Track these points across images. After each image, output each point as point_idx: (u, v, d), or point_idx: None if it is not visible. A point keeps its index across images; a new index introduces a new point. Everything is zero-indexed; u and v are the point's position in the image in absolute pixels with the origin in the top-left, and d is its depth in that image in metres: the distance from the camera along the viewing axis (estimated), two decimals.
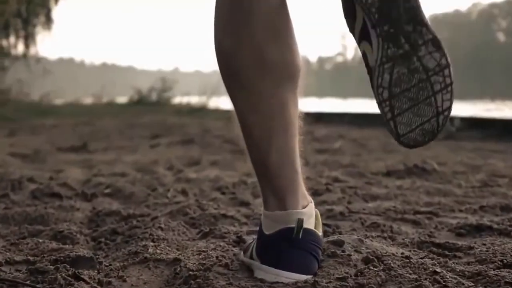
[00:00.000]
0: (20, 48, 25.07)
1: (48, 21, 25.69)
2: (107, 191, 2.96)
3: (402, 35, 1.53)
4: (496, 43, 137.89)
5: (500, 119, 9.16)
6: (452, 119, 8.42)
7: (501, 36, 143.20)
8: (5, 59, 23.09)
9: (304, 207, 1.64)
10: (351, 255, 1.70)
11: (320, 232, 1.68)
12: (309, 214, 1.64)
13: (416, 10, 1.53)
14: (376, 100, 1.57)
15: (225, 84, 1.67)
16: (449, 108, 1.55)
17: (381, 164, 4.59)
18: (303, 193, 1.68)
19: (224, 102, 16.62)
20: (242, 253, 1.79)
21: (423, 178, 3.47)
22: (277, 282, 1.56)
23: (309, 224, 1.64)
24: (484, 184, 3.31)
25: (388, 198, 2.77)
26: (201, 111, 14.77)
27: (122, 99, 20.67)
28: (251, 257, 1.71)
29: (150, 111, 15.33)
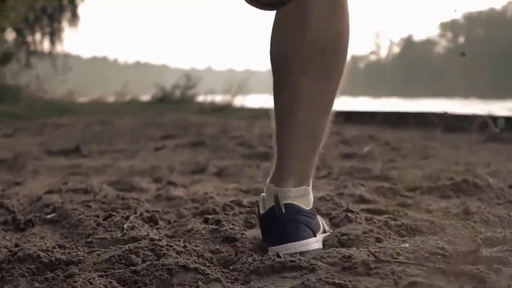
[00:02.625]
0: (46, 44, 24.67)
1: (74, 18, 25.26)
2: (50, 216, 2.20)
3: None
4: None
5: None
6: (495, 118, 7.61)
7: None
8: (31, 56, 22.65)
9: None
10: None
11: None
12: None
13: None
14: None
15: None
16: None
17: (418, 174, 3.80)
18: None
19: (249, 100, 15.95)
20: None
21: (475, 197, 2.65)
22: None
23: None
24: None
25: (432, 231, 1.96)
26: (225, 110, 14.04)
27: (147, 97, 20.04)
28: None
29: (173, 109, 14.64)
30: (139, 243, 1.64)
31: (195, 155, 5.23)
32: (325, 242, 1.78)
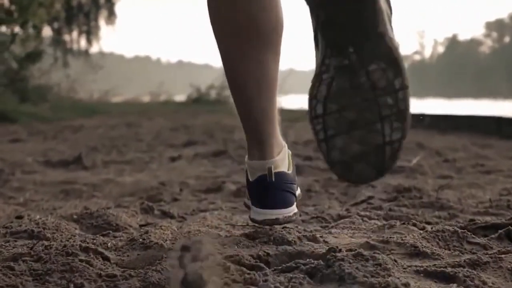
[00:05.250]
0: (83, 43, 24.34)
1: (111, 16, 24.93)
2: None
3: (351, 44, 1.31)
4: None
5: None
6: None
7: None
8: (67, 54, 22.27)
9: (278, 154, 1.88)
10: None
11: (290, 170, 1.92)
12: (281, 159, 1.89)
13: (373, 17, 1.29)
14: (308, 115, 1.45)
15: (216, 41, 1.78)
16: (399, 140, 1.32)
17: (481, 198, 3.05)
18: (278, 141, 1.91)
19: (287, 101, 15.19)
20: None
21: None
22: (265, 219, 1.88)
23: (283, 166, 1.89)
24: None
25: None
26: None
27: (182, 97, 19.45)
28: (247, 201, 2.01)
29: (207, 110, 13.98)
30: None
31: (215, 167, 4.52)
32: None
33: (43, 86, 14.98)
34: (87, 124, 10.09)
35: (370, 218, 2.40)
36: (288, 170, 1.91)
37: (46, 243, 1.75)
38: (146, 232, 1.97)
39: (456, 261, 1.69)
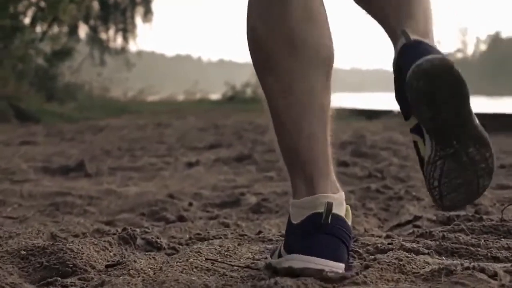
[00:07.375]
0: (119, 41, 24.03)
1: (148, 13, 24.59)
2: None
3: (454, 137, 1.59)
4: None
5: None
6: None
7: None
8: (104, 53, 21.98)
9: (334, 194, 1.62)
10: None
11: (349, 222, 1.65)
12: (339, 201, 1.63)
13: (469, 114, 1.57)
14: (427, 185, 1.64)
15: (256, 68, 1.68)
16: (487, 185, 1.64)
17: None
18: (333, 181, 1.66)
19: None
20: (269, 257, 1.76)
21: None
22: (307, 268, 1.52)
23: (340, 211, 1.62)
24: None
25: None
26: None
27: (218, 96, 19.00)
28: (279, 256, 1.67)
29: (241, 109, 13.44)
30: None
31: (236, 175, 3.96)
32: None
33: (72, 84, 14.56)
34: (114, 124, 9.61)
35: (418, 253, 1.81)
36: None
37: None
38: (102, 284, 1.39)
39: None
